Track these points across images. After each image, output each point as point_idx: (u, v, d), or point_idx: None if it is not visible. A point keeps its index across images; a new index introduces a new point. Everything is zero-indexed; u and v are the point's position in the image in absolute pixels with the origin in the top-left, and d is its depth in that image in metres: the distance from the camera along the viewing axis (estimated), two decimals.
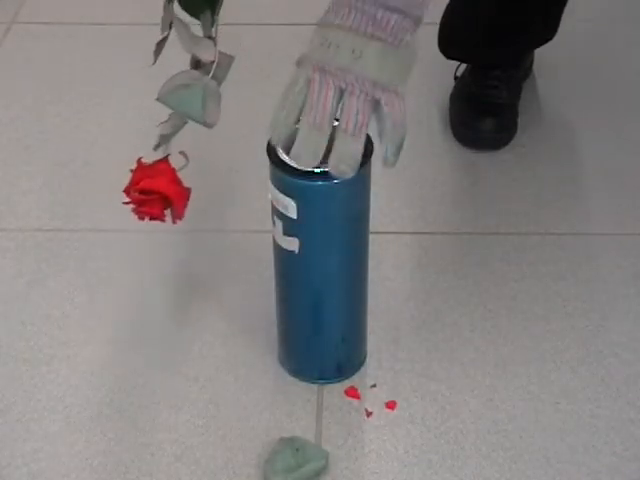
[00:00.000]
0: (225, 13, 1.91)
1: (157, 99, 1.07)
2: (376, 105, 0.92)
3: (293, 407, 1.19)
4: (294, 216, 1.05)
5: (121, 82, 1.69)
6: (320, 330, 1.18)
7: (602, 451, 1.13)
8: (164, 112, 1.61)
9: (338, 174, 0.94)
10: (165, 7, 1.06)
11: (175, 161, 1.12)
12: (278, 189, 1.05)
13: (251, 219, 1.43)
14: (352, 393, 1.20)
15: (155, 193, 1.11)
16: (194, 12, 1.07)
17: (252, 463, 1.13)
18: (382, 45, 0.91)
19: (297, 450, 1.11)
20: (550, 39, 1.57)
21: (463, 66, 1.62)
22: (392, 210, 1.44)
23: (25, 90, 1.69)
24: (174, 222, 1.13)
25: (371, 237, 1.41)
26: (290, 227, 1.07)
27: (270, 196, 1.08)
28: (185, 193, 1.13)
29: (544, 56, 1.70)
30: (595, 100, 1.64)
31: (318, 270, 1.12)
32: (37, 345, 1.26)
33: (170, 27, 1.07)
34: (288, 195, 1.04)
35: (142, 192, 1.12)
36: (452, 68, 1.62)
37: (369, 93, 0.90)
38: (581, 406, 1.18)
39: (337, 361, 1.20)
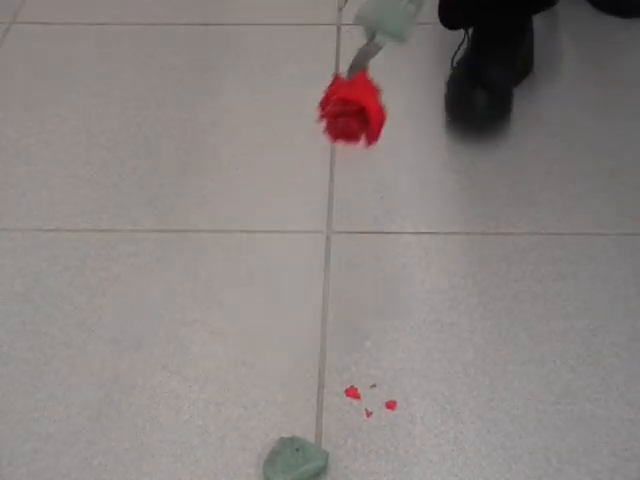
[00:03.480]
0: (225, 13, 1.92)
1: (356, 17, 1.08)
2: None
3: (293, 407, 1.19)
4: None
5: (121, 82, 1.69)
6: None
7: (602, 451, 1.13)
8: (168, 113, 1.62)
9: None
10: None
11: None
12: None
13: (253, 217, 1.43)
14: (352, 393, 1.20)
15: (353, 104, 1.02)
16: None
17: (252, 463, 1.13)
18: None
19: (297, 450, 1.11)
20: (553, 3, 1.59)
21: (460, 54, 1.63)
22: (392, 210, 1.45)
23: (25, 90, 1.69)
24: (368, 145, 1.02)
25: (371, 237, 1.41)
26: None
27: None
28: (383, 111, 1.03)
29: (545, 56, 1.70)
30: (595, 100, 1.64)
31: None
32: (37, 345, 1.27)
33: None
34: None
35: (339, 105, 1.02)
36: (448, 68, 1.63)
37: None
38: (581, 406, 1.18)
39: None
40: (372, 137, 1.03)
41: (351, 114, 1.02)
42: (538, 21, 1.70)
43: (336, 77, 1.06)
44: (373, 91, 1.04)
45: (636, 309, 1.30)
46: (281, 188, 1.48)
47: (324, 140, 1.56)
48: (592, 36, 1.76)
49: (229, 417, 1.18)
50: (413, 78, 1.68)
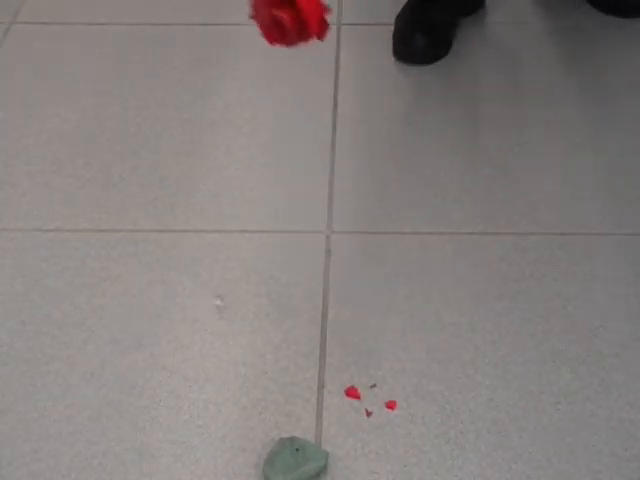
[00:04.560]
0: (225, 13, 1.92)
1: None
2: None
3: (293, 407, 1.19)
4: None
5: (121, 82, 1.69)
6: None
7: (602, 451, 1.13)
8: (168, 113, 1.62)
9: None
10: None
11: None
12: None
13: (253, 217, 1.43)
14: (352, 393, 1.20)
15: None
16: None
17: (252, 463, 1.13)
18: None
19: (297, 450, 1.11)
20: None
21: None
22: (392, 210, 1.44)
23: (25, 90, 1.69)
24: (317, 37, 0.97)
25: (370, 237, 1.41)
26: None
27: None
28: (319, 6, 0.96)
29: (544, 55, 1.70)
30: (595, 100, 1.64)
31: None
32: (37, 345, 1.26)
33: None
34: None
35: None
36: None
37: None
38: (581, 406, 1.18)
39: None
40: (313, 30, 0.97)
41: (284, 3, 0.97)
42: (537, 21, 1.70)
43: None
44: None
45: (636, 309, 1.30)
46: (281, 188, 1.48)
47: (324, 139, 1.57)
48: (591, 36, 1.76)
49: (229, 417, 1.18)
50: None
